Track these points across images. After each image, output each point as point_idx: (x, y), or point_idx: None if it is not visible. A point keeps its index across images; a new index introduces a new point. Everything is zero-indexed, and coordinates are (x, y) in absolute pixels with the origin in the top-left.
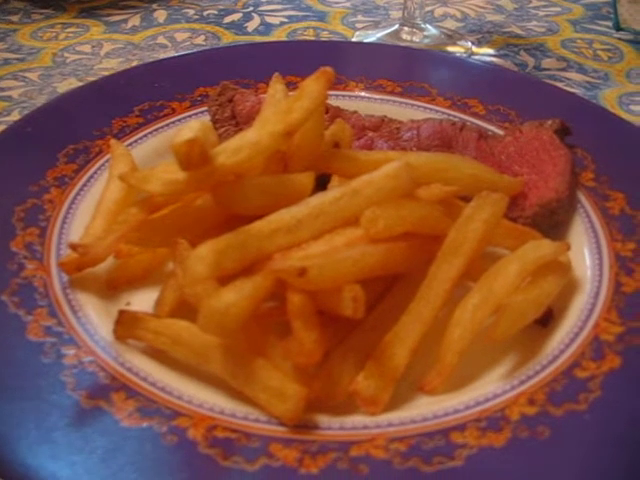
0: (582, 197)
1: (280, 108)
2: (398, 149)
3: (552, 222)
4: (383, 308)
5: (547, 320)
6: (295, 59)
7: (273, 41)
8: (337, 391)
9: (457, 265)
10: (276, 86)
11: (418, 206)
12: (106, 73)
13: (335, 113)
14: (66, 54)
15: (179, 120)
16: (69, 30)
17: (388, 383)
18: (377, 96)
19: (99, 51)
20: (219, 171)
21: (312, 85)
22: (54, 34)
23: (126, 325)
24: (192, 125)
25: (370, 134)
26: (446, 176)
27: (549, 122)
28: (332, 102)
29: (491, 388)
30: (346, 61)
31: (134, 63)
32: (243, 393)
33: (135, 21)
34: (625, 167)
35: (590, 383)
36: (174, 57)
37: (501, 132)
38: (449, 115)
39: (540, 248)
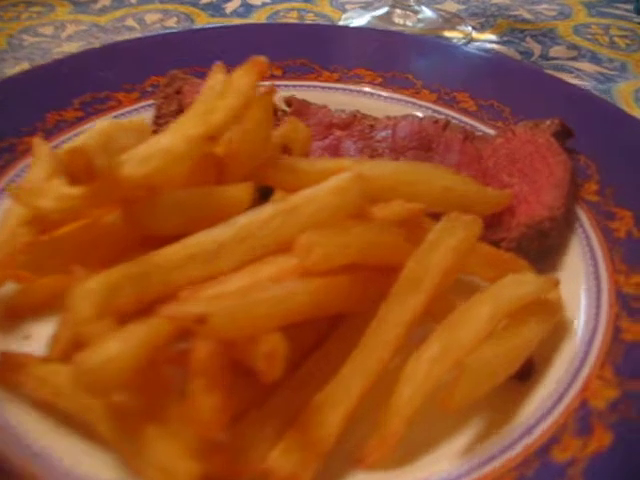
0: (582, 215)
1: (200, 107)
2: (368, 151)
3: (542, 246)
4: (318, 360)
5: (526, 374)
6: (263, 44)
7: (240, 24)
8: (246, 468)
9: (414, 305)
10: (216, 77)
11: (369, 230)
12: None
13: (300, 108)
14: (24, 36)
15: (124, 114)
16: (33, 10)
17: (312, 458)
18: (352, 87)
19: (60, 33)
20: (124, 184)
21: (240, 79)
22: (16, 14)
23: (8, 369)
24: (95, 128)
25: (338, 133)
26: (412, 190)
27: (547, 122)
28: (301, 94)
29: (445, 467)
30: (321, 47)
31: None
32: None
33: (106, 1)
34: (636, 179)
35: (570, 470)
36: (127, 41)
37: (492, 132)
38: (433, 111)
39: (522, 284)
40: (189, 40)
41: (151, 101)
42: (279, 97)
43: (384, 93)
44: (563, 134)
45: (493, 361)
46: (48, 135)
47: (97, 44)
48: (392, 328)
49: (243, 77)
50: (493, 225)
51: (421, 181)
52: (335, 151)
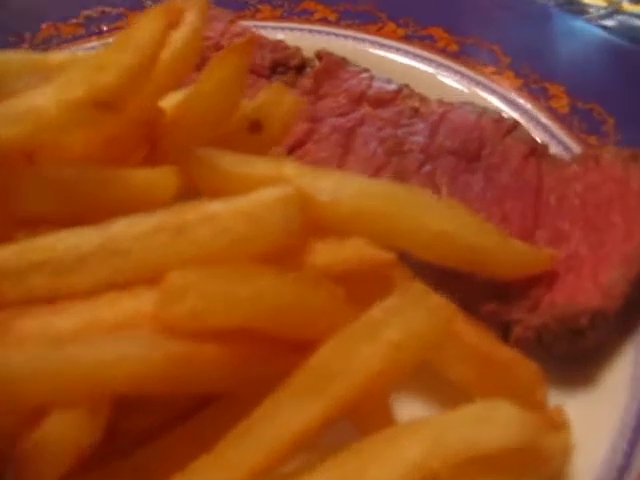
0: None
1: (92, 62)
2: (390, 145)
3: (575, 348)
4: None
5: None
6: None
7: None
8: None
9: (309, 415)
10: (189, 14)
11: (284, 284)
12: None
13: (329, 67)
14: None
15: None
16: None
17: None
18: (416, 51)
19: None
20: None
21: (143, 28)
22: None
23: None
24: None
25: (365, 110)
26: (394, 227)
27: None
28: (348, 49)
29: None
30: None
31: None
32: None
33: None
34: None
35: None
36: None
37: (573, 150)
38: (508, 102)
39: (490, 424)
40: None
41: None
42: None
43: (454, 66)
44: None
45: None
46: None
47: None
48: (266, 441)
49: (146, 25)
50: (513, 296)
51: (406, 215)
52: (348, 136)
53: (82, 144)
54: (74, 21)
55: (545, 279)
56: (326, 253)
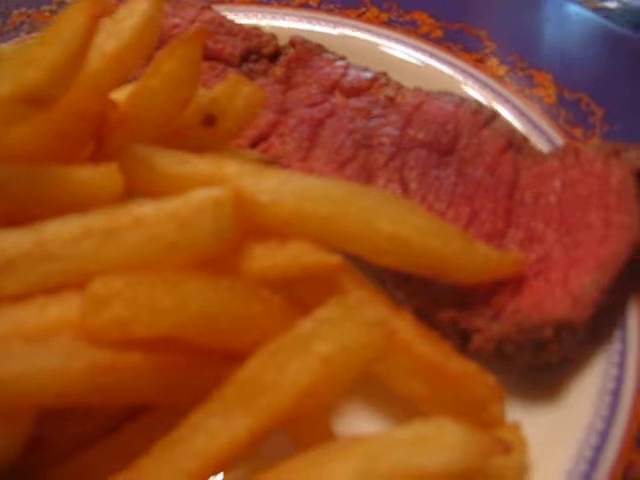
0: (631, 325)
1: (16, 57)
2: (358, 137)
3: (539, 362)
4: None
5: None
6: None
7: None
8: None
9: (233, 431)
10: (137, 4)
11: (217, 290)
12: None
13: (302, 55)
14: None
15: None
16: None
17: None
18: (398, 37)
19: None
20: None
21: (68, 20)
22: None
23: None
24: None
25: (336, 100)
26: (340, 232)
27: (632, 152)
28: (328, 36)
29: None
30: None
31: None
32: None
33: None
34: None
35: None
36: None
37: (556, 143)
38: (492, 92)
39: (429, 446)
40: None
41: None
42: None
43: (436, 52)
44: None
45: None
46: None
47: None
48: (193, 454)
49: (73, 17)
50: (474, 303)
51: (355, 218)
52: (316, 128)
53: (23, 141)
54: (47, 8)
55: (511, 284)
56: (265, 257)
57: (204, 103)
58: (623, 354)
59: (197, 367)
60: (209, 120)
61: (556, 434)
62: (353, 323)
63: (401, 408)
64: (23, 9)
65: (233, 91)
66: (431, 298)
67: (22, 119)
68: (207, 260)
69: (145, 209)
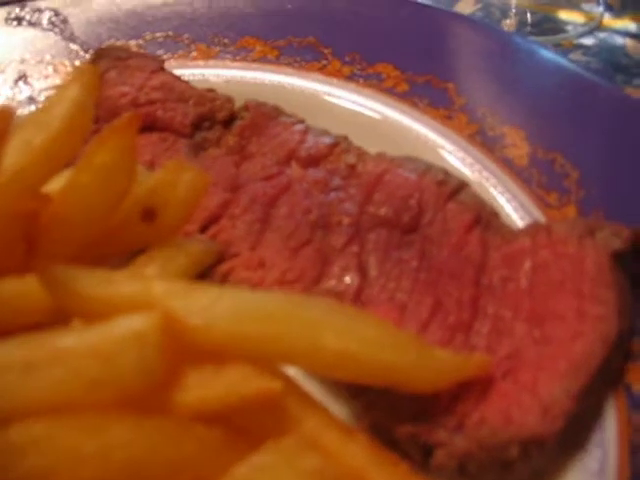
0: (609, 432)
1: None
2: (314, 217)
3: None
4: None
5: None
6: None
7: None
8: None
9: None
10: (72, 85)
11: (140, 434)
12: None
13: (257, 120)
14: None
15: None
16: None
17: None
18: (366, 92)
19: None
20: None
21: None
22: None
23: None
24: None
25: (292, 172)
26: (282, 350)
27: (607, 231)
28: (288, 92)
29: None
30: (339, 24)
31: None
32: None
33: None
34: None
35: None
36: None
37: (525, 214)
38: (462, 151)
39: None
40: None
41: None
42: (252, 95)
43: (402, 108)
44: (632, 258)
45: None
46: None
47: None
48: None
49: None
50: (435, 413)
51: (298, 335)
52: (269, 207)
53: None
54: None
55: (477, 387)
56: (200, 387)
57: (142, 195)
58: (603, 461)
59: None
60: (149, 214)
61: None
62: (289, 471)
63: None
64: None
65: (173, 179)
66: (389, 409)
67: None
68: (134, 396)
69: (66, 340)
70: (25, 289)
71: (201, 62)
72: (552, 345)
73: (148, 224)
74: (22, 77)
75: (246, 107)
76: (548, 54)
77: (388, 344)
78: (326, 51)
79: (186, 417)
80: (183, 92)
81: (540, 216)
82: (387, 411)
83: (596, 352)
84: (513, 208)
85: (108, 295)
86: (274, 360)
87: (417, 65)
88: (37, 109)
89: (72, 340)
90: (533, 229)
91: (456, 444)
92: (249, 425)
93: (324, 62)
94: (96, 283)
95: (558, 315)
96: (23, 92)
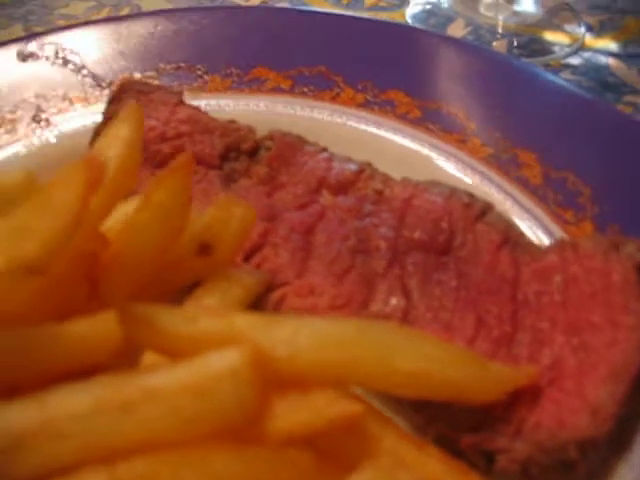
0: None
1: (7, 228)
2: (353, 243)
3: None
4: None
5: None
6: (266, 39)
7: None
8: None
9: None
10: (122, 125)
11: (241, 463)
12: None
13: (283, 151)
14: None
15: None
16: None
17: None
18: (378, 119)
19: None
20: None
21: (62, 187)
22: None
23: None
24: None
25: (325, 200)
26: (359, 374)
27: (631, 246)
28: (304, 121)
29: None
30: (351, 51)
31: None
32: None
33: None
34: None
35: None
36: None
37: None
38: (481, 176)
39: None
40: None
41: None
42: (268, 124)
43: (419, 135)
44: None
45: None
46: None
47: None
48: None
49: (66, 188)
50: (493, 420)
51: (374, 360)
52: (307, 235)
53: (13, 304)
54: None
55: (527, 396)
56: (289, 415)
57: (197, 232)
58: None
59: None
60: (205, 249)
61: None
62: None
63: None
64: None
65: (226, 215)
66: (451, 421)
67: (14, 288)
68: (229, 428)
69: (159, 379)
70: (91, 330)
71: (217, 93)
72: (591, 353)
73: (204, 258)
74: (39, 112)
75: (271, 137)
76: (549, 76)
77: (452, 361)
78: (337, 79)
79: (278, 444)
80: (207, 124)
81: (560, 233)
82: (449, 423)
83: (634, 358)
84: (535, 226)
85: (192, 333)
86: (351, 384)
87: (426, 92)
88: (88, 150)
89: (165, 378)
90: (560, 246)
91: (517, 449)
92: (334, 447)
93: (337, 90)
94: (180, 321)
95: (593, 325)
96: (42, 127)
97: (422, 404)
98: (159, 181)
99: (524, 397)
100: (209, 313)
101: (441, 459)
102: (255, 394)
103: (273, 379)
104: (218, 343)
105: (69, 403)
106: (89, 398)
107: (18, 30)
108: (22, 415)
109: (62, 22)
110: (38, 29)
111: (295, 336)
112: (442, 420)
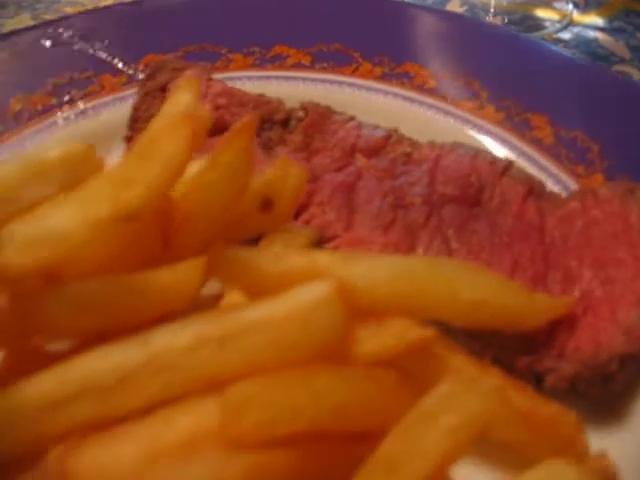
0: None
1: (116, 175)
2: (391, 199)
3: (608, 392)
4: None
5: None
6: (284, 18)
7: None
8: None
9: None
10: (180, 97)
11: (340, 382)
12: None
13: (317, 120)
14: None
15: (103, 105)
16: None
17: None
18: (396, 91)
19: None
20: (4, 274)
21: (168, 139)
22: None
23: None
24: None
25: (360, 163)
26: (427, 304)
27: None
28: (326, 94)
29: None
30: (364, 28)
31: None
32: None
33: None
34: None
35: None
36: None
37: (566, 183)
38: (495, 138)
39: None
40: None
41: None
42: (298, 97)
43: (433, 103)
44: None
45: None
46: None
47: None
48: None
49: (172, 139)
50: (538, 345)
51: (438, 291)
52: (350, 193)
53: (100, 254)
54: (42, 90)
55: (564, 324)
56: (372, 340)
57: (258, 189)
58: None
59: (333, 452)
60: (267, 204)
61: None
62: (474, 395)
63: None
64: (20, 95)
65: (283, 174)
66: (503, 346)
67: (114, 236)
68: (324, 352)
69: (257, 313)
70: (174, 278)
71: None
72: (617, 285)
73: (265, 213)
74: (70, 94)
75: (303, 107)
76: (552, 47)
77: (506, 291)
78: (355, 54)
79: (365, 365)
80: (241, 97)
81: (573, 185)
82: (502, 348)
83: None
84: (550, 181)
85: (281, 270)
86: (417, 313)
87: (439, 64)
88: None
89: (263, 311)
90: (579, 193)
91: (564, 368)
92: (411, 368)
93: (355, 65)
94: (269, 260)
95: (617, 261)
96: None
97: (478, 332)
98: (226, 142)
99: (562, 325)
100: (294, 252)
101: (502, 377)
102: (345, 320)
103: (354, 309)
104: (303, 279)
105: (173, 340)
106: (190, 334)
107: (26, 19)
108: (127, 353)
109: (69, 9)
110: (47, 17)
111: (371, 270)
112: (496, 345)
